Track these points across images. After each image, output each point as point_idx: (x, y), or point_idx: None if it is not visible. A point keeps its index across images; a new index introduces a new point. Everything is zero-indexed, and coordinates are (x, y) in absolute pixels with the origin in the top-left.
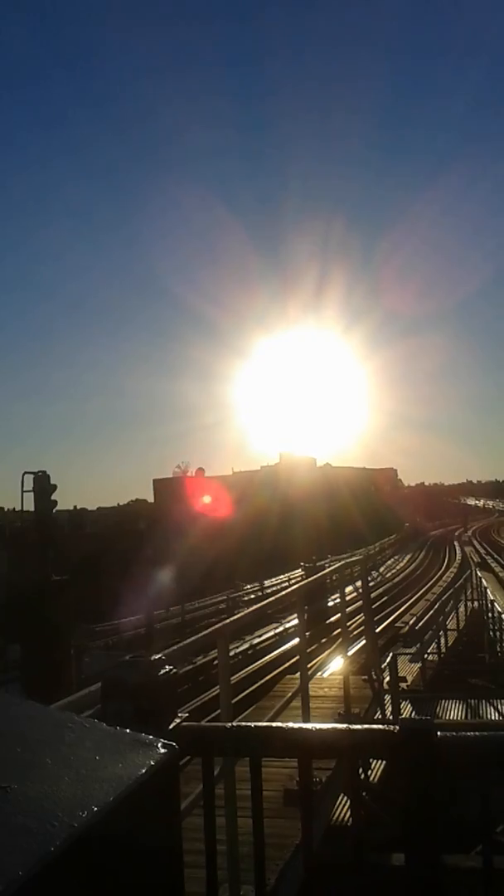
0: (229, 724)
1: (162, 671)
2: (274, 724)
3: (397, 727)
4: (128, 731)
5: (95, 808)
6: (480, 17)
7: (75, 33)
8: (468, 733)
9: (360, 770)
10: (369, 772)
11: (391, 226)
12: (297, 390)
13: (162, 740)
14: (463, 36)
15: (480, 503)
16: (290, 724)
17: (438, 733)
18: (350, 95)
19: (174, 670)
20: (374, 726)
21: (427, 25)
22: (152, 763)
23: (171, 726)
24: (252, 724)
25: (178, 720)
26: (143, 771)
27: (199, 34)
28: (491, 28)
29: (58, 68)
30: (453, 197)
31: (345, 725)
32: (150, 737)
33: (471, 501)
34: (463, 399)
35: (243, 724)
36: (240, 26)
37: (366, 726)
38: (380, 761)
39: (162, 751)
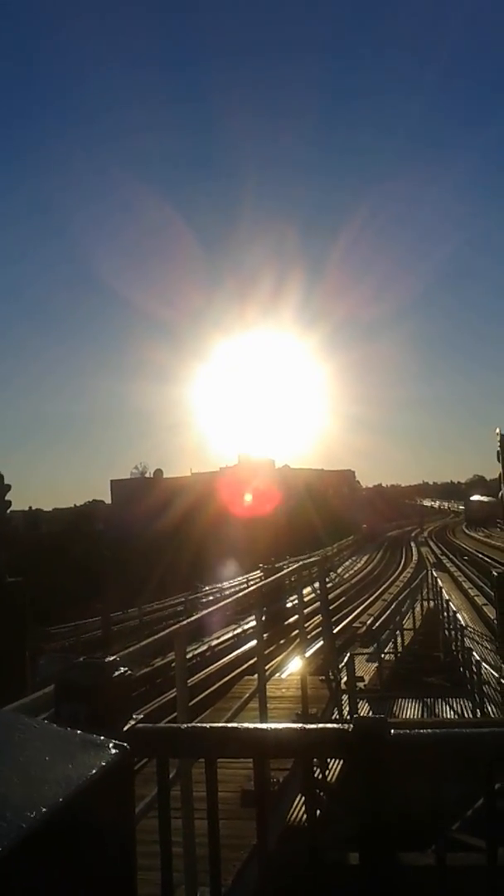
0: (184, 725)
1: (116, 673)
2: (229, 725)
3: (351, 726)
4: (79, 732)
5: (44, 809)
6: (431, 19)
7: (14, 28)
8: (421, 731)
9: (318, 770)
10: (327, 771)
11: (345, 227)
12: (255, 392)
13: (113, 741)
14: (416, 38)
15: (436, 504)
16: (246, 725)
17: (392, 731)
18: (301, 96)
19: (129, 672)
20: (329, 725)
21: (376, 25)
22: (103, 764)
23: (125, 728)
24: (207, 725)
25: (132, 722)
26: (94, 772)
27: (141, 31)
28: (443, 30)
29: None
30: (404, 200)
31: (300, 725)
32: (102, 738)
33: (427, 502)
34: (419, 400)
35: (198, 724)
36: (183, 24)
37: (320, 726)
38: (338, 761)
39: (113, 751)
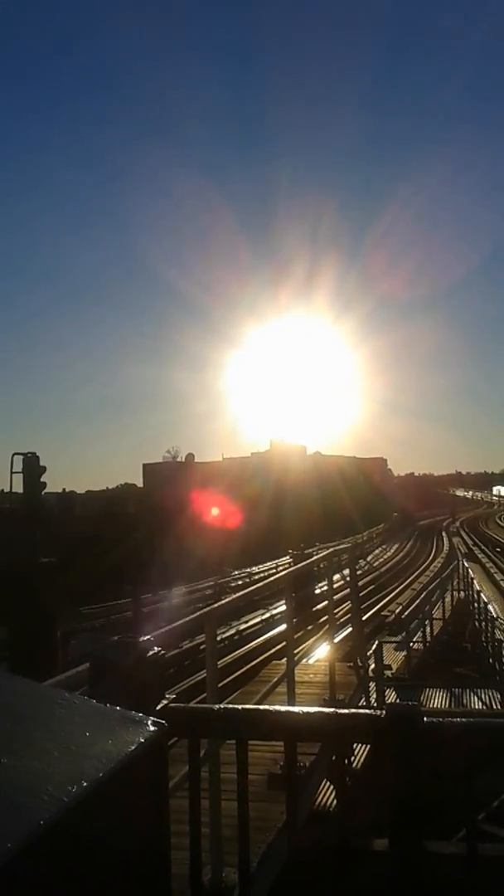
0: (217, 706)
1: (150, 652)
2: (261, 707)
3: (384, 712)
4: (118, 708)
5: (85, 784)
6: (471, 2)
7: (69, 19)
8: (454, 720)
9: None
10: (353, 758)
11: (382, 212)
12: (288, 378)
13: (152, 718)
14: (453, 21)
15: (469, 494)
16: (278, 708)
17: (424, 719)
18: (340, 82)
19: (162, 652)
20: (361, 711)
21: (417, 12)
22: (142, 740)
23: (158, 707)
24: (239, 707)
25: (165, 701)
26: (133, 748)
27: (188, 21)
28: (482, 14)
29: (52, 55)
30: (444, 182)
31: (331, 709)
32: (140, 714)
33: (459, 492)
34: (454, 388)
35: (230, 706)
36: (231, 13)
37: (352, 710)
38: (363, 747)
39: (152, 728)
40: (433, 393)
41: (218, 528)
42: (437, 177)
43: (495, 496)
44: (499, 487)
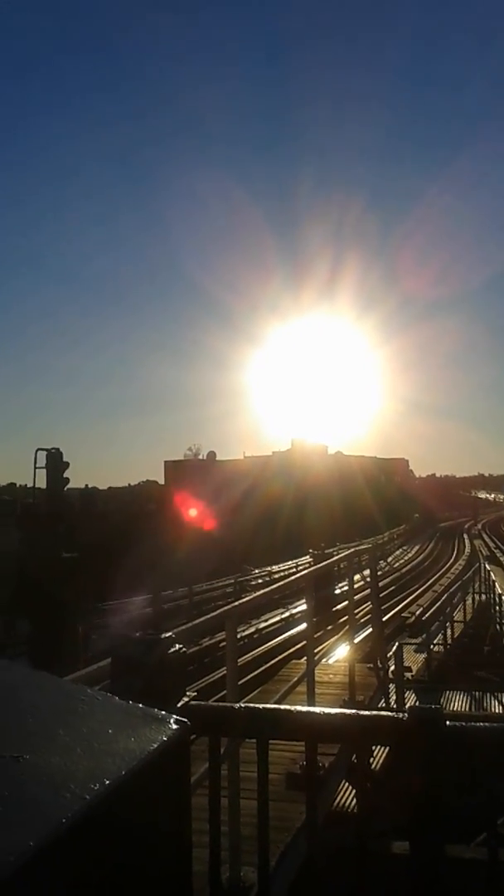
0: (238, 705)
1: (172, 649)
2: (283, 707)
3: (406, 714)
4: (140, 705)
5: (108, 782)
6: (498, 2)
7: (95, 18)
8: (478, 724)
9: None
10: (371, 760)
11: (407, 210)
12: (309, 377)
13: (174, 716)
14: (480, 19)
15: (492, 497)
16: (299, 708)
17: (447, 722)
18: (366, 80)
19: (184, 649)
20: (384, 713)
21: (443, 9)
22: (164, 738)
23: (179, 704)
24: (261, 706)
25: (186, 699)
26: (156, 746)
27: (215, 20)
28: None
29: (78, 52)
30: (470, 181)
31: (353, 711)
32: (163, 712)
33: (482, 494)
34: (479, 388)
35: (252, 705)
36: (258, 13)
37: (374, 712)
38: (381, 750)
39: (174, 727)
40: (457, 393)
41: (238, 526)
42: (463, 175)
43: None
44: None
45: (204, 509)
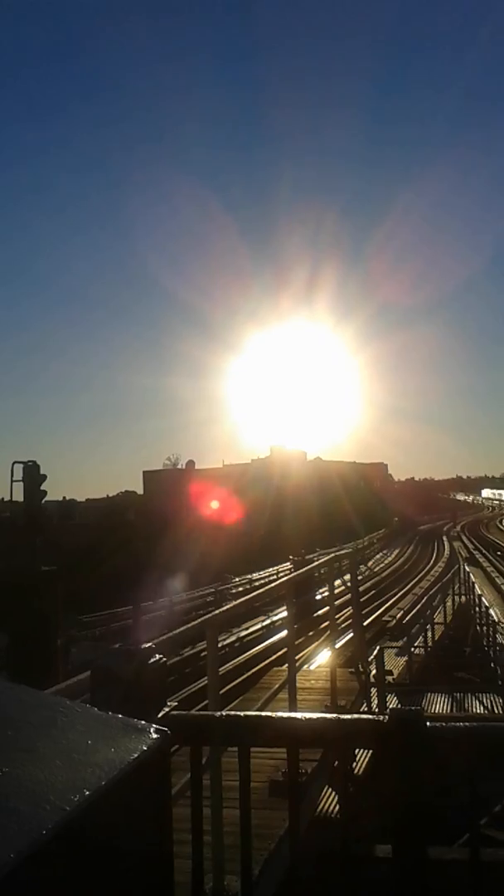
0: (219, 713)
1: (152, 660)
2: (263, 714)
3: (387, 717)
4: (120, 716)
5: (87, 793)
6: (473, 8)
7: (67, 24)
8: (457, 724)
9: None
10: (353, 764)
11: (383, 217)
12: (288, 384)
13: (154, 725)
14: (454, 26)
15: (470, 498)
16: (280, 714)
17: (428, 724)
18: (341, 87)
19: (164, 659)
20: (364, 716)
21: (418, 16)
22: (145, 748)
23: (160, 715)
24: (242, 714)
25: (167, 709)
26: (136, 756)
27: (191, 26)
28: (483, 19)
29: (47, 61)
30: (445, 188)
31: (335, 715)
32: (143, 722)
33: (460, 496)
34: (455, 392)
35: (232, 713)
36: (232, 18)
37: (356, 716)
38: (363, 754)
39: (154, 736)
40: (434, 397)
41: (218, 534)
42: (439, 182)
43: (486, 499)
44: (488, 490)
45: (184, 519)
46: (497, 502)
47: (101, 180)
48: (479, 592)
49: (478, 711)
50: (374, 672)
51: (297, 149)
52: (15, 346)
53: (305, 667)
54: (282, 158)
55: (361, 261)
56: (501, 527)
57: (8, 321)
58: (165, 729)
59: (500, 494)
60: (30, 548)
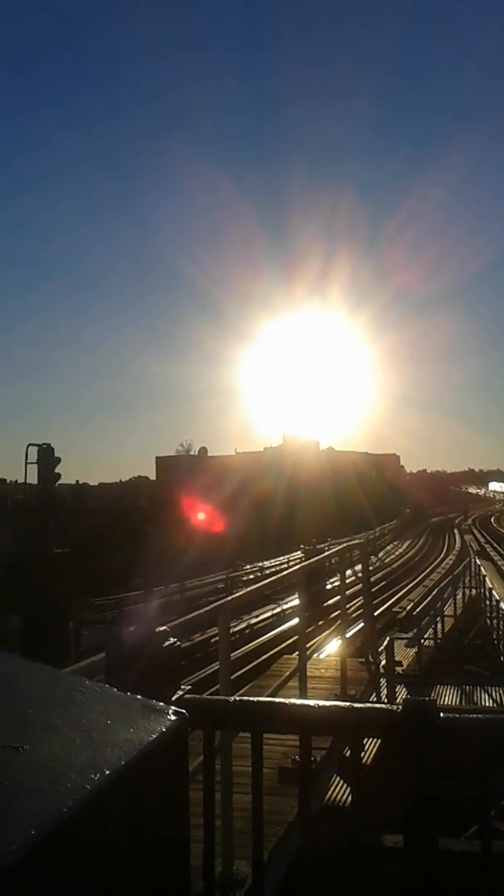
0: (233, 698)
1: (167, 643)
2: (277, 700)
3: (399, 706)
4: (139, 697)
5: (107, 772)
6: (478, 8)
7: (81, 14)
8: (469, 715)
9: (350, 750)
10: (362, 753)
11: (397, 206)
12: (301, 373)
13: (173, 707)
14: (466, 15)
15: (482, 492)
16: (293, 700)
17: (440, 715)
18: (355, 76)
19: (178, 643)
20: (377, 705)
21: (431, 5)
22: (163, 729)
23: (174, 698)
24: (255, 699)
25: (180, 692)
26: (154, 736)
27: (204, 16)
28: (495, 7)
29: (63, 49)
30: (459, 177)
31: (347, 703)
32: (161, 703)
33: (472, 489)
34: (469, 384)
35: (247, 698)
36: (246, 8)
37: (368, 705)
38: (373, 743)
39: (172, 718)
40: (448, 389)
41: (229, 522)
42: (453, 171)
43: (494, 492)
44: (496, 483)
45: (196, 505)
46: (496, 494)
47: (115, 169)
48: (490, 586)
49: (486, 704)
50: (383, 662)
51: (310, 138)
52: (33, 333)
53: (315, 655)
54: (296, 147)
55: (375, 249)
56: None
57: (27, 308)
58: (183, 711)
59: None
60: (43, 530)
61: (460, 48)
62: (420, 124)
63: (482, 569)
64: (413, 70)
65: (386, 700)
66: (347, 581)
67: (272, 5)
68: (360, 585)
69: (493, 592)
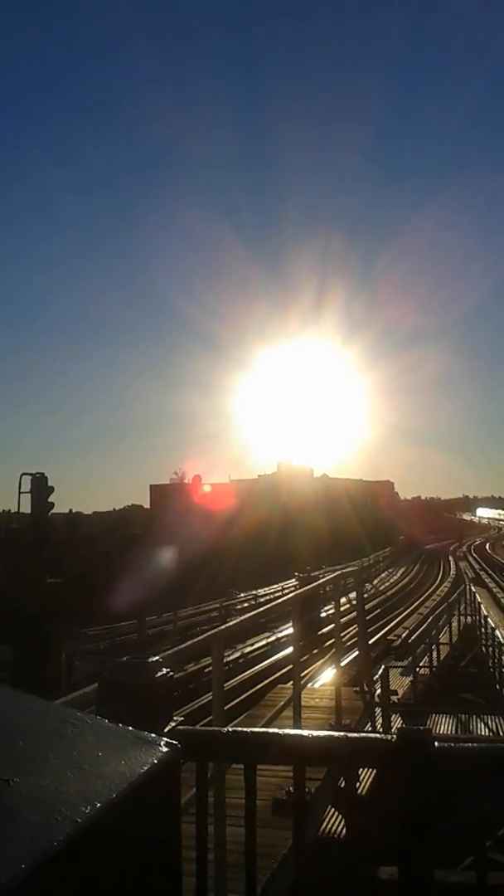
0: (225, 729)
1: (159, 673)
2: (271, 731)
3: (394, 736)
4: (130, 728)
5: (98, 804)
6: (479, 32)
7: (71, 45)
8: (465, 745)
9: (345, 781)
10: (357, 784)
11: (391, 239)
12: (296, 401)
13: (164, 738)
14: (462, 50)
15: (476, 519)
16: (287, 731)
17: (436, 743)
18: (349, 109)
19: (171, 673)
20: (372, 735)
21: (426, 40)
22: (155, 761)
23: (166, 729)
24: (249, 730)
25: (173, 723)
26: (146, 768)
27: (197, 46)
28: (490, 43)
29: (54, 79)
30: (453, 211)
31: (342, 733)
32: (153, 735)
33: (467, 516)
34: (462, 413)
35: (240, 729)
36: (238, 39)
37: (363, 734)
38: (368, 773)
39: (164, 749)
40: (441, 417)
41: (224, 549)
42: (447, 204)
43: (481, 518)
44: (482, 510)
45: (190, 534)
46: (491, 521)
47: (107, 200)
48: (485, 613)
49: (483, 733)
50: (378, 691)
51: (304, 170)
52: (27, 362)
53: (310, 685)
54: (289, 179)
55: (369, 281)
56: None
57: (21, 338)
58: (176, 742)
59: (501, 514)
60: (36, 560)
61: (455, 82)
62: (414, 158)
63: (477, 596)
64: (407, 103)
65: (381, 729)
66: (342, 608)
67: (265, 36)
68: (354, 613)
69: (489, 620)
